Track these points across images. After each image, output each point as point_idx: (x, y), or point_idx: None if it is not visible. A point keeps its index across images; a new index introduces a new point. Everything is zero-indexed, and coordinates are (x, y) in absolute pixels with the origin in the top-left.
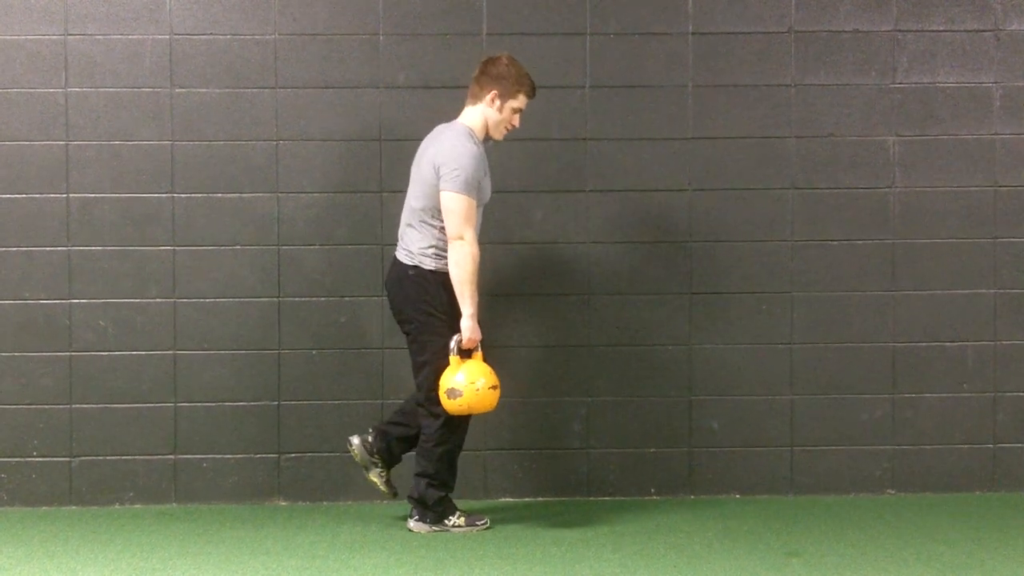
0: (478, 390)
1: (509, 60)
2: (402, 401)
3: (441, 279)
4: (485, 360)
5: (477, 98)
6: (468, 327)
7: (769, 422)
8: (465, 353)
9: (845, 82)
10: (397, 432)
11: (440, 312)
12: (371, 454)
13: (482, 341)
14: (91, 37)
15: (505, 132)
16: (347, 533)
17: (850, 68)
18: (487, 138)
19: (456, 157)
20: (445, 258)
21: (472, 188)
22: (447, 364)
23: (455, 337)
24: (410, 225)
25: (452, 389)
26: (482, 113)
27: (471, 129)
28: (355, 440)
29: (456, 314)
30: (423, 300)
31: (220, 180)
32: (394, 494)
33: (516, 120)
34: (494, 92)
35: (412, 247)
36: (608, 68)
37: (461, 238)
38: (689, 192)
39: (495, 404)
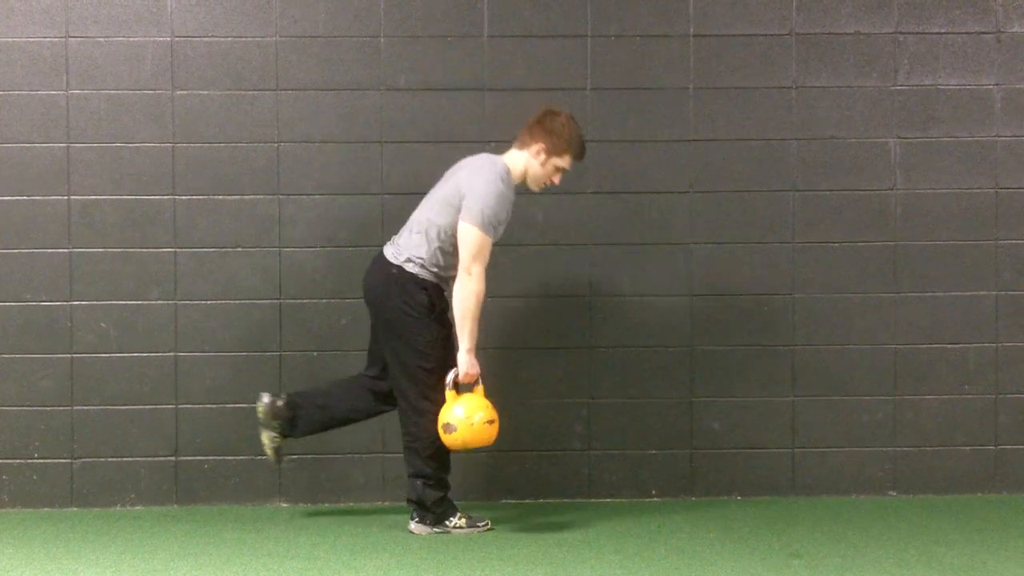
0: (473, 424)
1: (567, 119)
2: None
3: (421, 283)
4: (485, 394)
5: (524, 145)
6: (465, 361)
7: (770, 423)
8: (464, 388)
9: (846, 84)
10: (311, 414)
11: (420, 313)
12: (274, 418)
13: (481, 374)
14: (92, 39)
15: (542, 187)
16: (348, 535)
17: (851, 70)
18: (522, 186)
19: (484, 193)
20: (430, 271)
21: (491, 227)
22: (436, 358)
23: (452, 371)
24: (419, 232)
25: (448, 424)
26: (525, 161)
27: (510, 171)
28: (265, 398)
29: (439, 313)
30: (402, 299)
31: (221, 182)
32: (278, 462)
33: (557, 178)
34: (542, 145)
35: (406, 250)
36: (609, 70)
37: (469, 273)
38: (690, 194)
39: (492, 439)
